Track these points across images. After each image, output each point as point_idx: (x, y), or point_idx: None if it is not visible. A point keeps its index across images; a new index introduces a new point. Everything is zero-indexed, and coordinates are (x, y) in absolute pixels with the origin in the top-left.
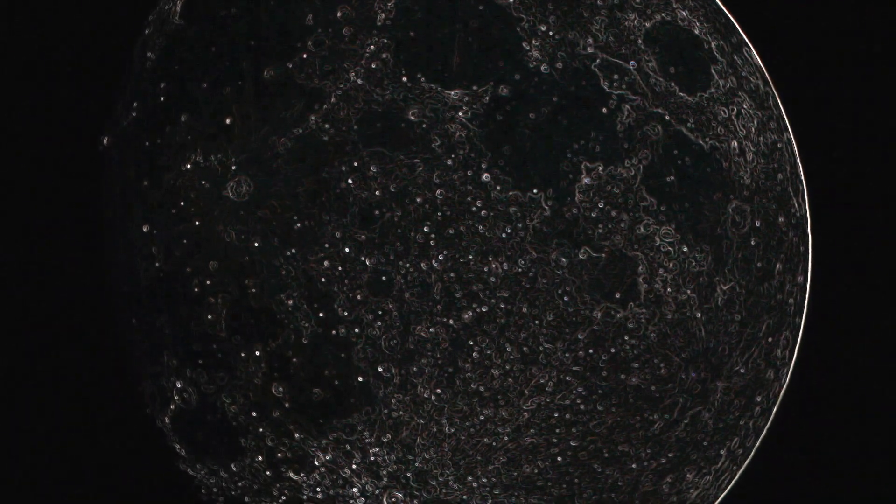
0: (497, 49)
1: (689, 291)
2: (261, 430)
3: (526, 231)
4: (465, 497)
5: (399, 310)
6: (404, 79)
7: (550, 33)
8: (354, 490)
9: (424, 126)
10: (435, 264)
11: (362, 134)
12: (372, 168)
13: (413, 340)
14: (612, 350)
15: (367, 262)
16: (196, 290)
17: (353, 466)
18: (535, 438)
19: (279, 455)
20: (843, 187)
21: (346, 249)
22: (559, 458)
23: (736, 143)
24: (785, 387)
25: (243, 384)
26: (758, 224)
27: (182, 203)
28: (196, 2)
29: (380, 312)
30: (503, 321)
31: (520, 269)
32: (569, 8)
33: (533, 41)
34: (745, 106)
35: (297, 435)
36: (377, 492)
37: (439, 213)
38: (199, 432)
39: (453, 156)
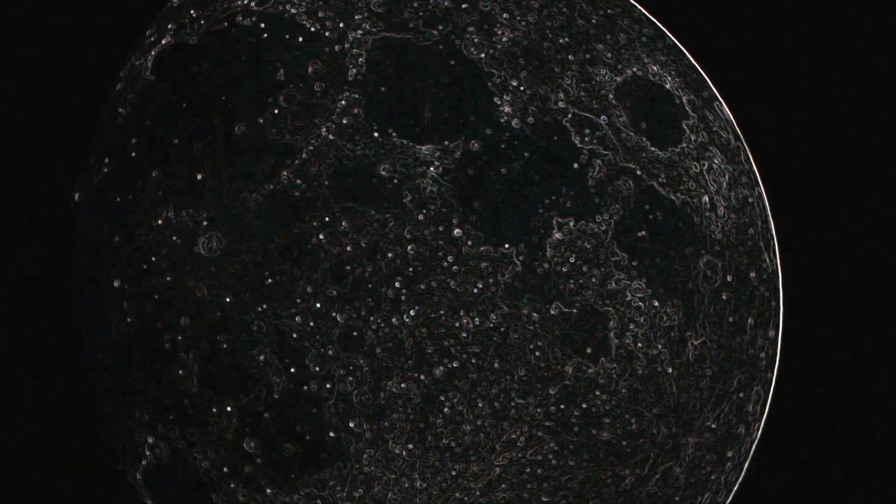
0: (468, 104)
1: (660, 346)
2: (232, 485)
3: (497, 286)
4: None
5: (370, 365)
6: (376, 134)
7: (522, 88)
8: None
9: (396, 181)
10: (406, 319)
11: (334, 189)
12: (343, 223)
13: (384, 396)
14: (584, 405)
15: (339, 318)
16: (167, 345)
17: None
18: (507, 493)
19: None
20: (814, 241)
21: (318, 305)
22: None
23: (707, 198)
24: (756, 442)
25: (215, 439)
26: (729, 279)
27: (153, 259)
28: (167, 58)
29: (351, 368)
30: (475, 376)
31: (491, 325)
32: (540, 63)
33: (504, 96)
34: (716, 161)
35: (268, 490)
36: None
37: (410, 269)
38: (170, 487)
39: (424, 211)
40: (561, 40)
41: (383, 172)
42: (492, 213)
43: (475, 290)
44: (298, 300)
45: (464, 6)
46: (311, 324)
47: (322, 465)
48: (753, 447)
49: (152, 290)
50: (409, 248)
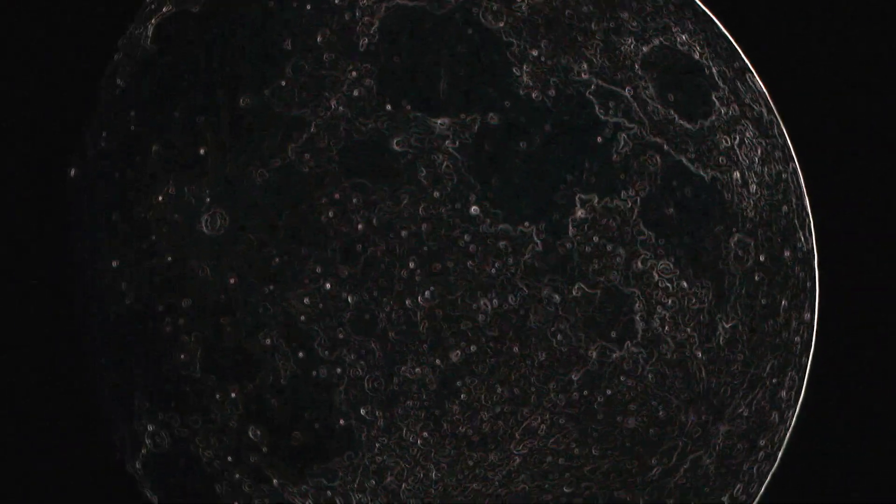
0: (486, 75)
1: (688, 330)
2: (237, 475)
3: (517, 266)
4: None
5: (383, 349)
6: (388, 107)
7: (542, 58)
8: None
9: (410, 156)
10: (421, 301)
11: (344, 165)
12: (354, 200)
13: (398, 381)
14: (608, 391)
15: (349, 300)
16: (168, 328)
17: None
18: (527, 485)
19: (256, 502)
20: (851, 219)
21: (327, 286)
22: None
23: (738, 174)
24: (790, 430)
25: (218, 427)
26: (762, 258)
27: (153, 237)
28: (168, 26)
29: (363, 352)
30: (493, 361)
31: (510, 307)
32: (562, 32)
33: (524, 66)
34: (748, 134)
35: (275, 481)
36: None
37: (425, 248)
38: (171, 478)
39: (440, 187)
40: (584, 8)
41: (396, 147)
42: (511, 189)
43: (493, 271)
44: (307, 281)
45: None
46: (321, 306)
47: (332, 454)
48: (787, 436)
49: (152, 271)
50: (424, 226)
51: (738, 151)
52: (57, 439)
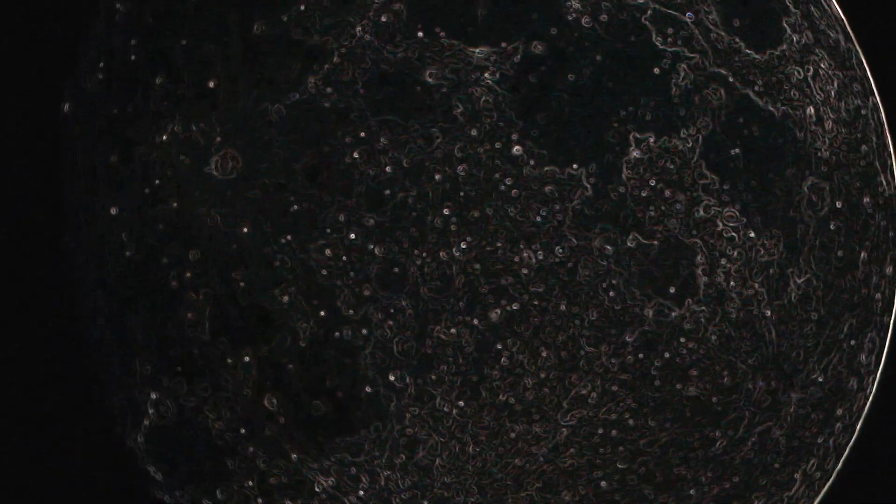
0: None
1: (756, 285)
2: (251, 449)
3: (564, 214)
4: None
5: (414, 307)
6: (420, 34)
7: None
8: None
9: (444, 90)
10: (457, 253)
11: (370, 99)
12: (382, 140)
13: (431, 344)
14: (667, 355)
15: (377, 251)
16: (174, 284)
17: (361, 493)
18: (576, 460)
19: (272, 480)
20: None
21: (352, 236)
22: (603, 483)
23: (812, 110)
24: (871, 398)
25: (230, 396)
26: (839, 205)
27: (157, 181)
28: None
29: (391, 311)
30: (537, 321)
31: (557, 260)
32: None
33: None
34: (822, 65)
35: (293, 456)
36: None
37: (462, 194)
38: (177, 453)
39: (478, 125)
40: None
41: (429, 79)
42: (558, 127)
43: (538, 219)
44: (328, 230)
45: None
46: (344, 258)
47: (356, 426)
48: (868, 405)
49: (156, 219)
50: (460, 168)
51: (811, 84)
52: (48, 408)
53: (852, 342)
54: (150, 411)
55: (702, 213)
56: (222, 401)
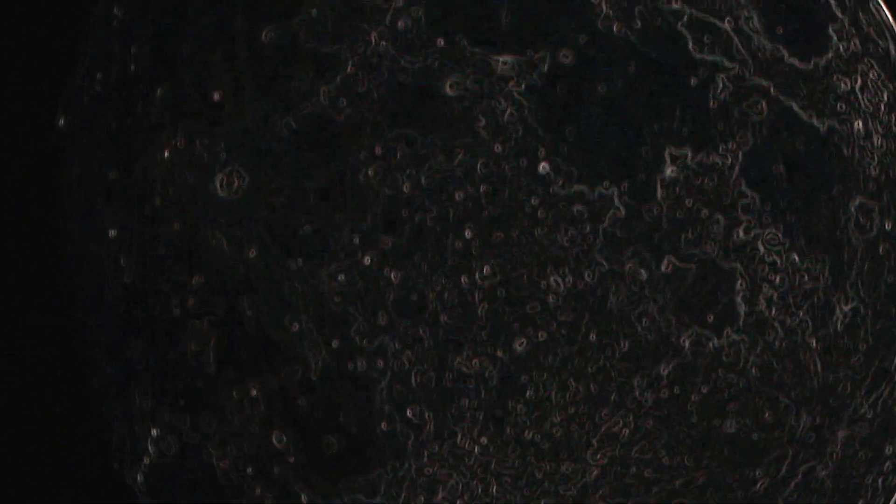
0: (558, 3)
1: (800, 313)
2: (258, 490)
3: (595, 236)
4: None
5: (434, 337)
6: (440, 41)
7: None
8: None
9: (466, 102)
10: (479, 279)
11: (387, 112)
12: (399, 155)
13: (451, 376)
14: (704, 389)
15: (393, 277)
16: (176, 311)
17: None
18: (606, 501)
19: None
20: None
21: (367, 260)
22: None
23: (860, 124)
24: None
25: (236, 431)
26: (888, 227)
27: (158, 201)
28: None
29: (409, 340)
30: (565, 351)
31: (586, 285)
32: None
33: None
34: (871, 76)
35: (304, 497)
36: None
37: (485, 214)
38: (179, 493)
39: (502, 140)
40: None
41: (450, 91)
42: (587, 142)
43: (566, 242)
44: (342, 254)
45: None
46: (359, 284)
47: (372, 464)
48: None
49: (157, 241)
50: (483, 187)
51: (859, 96)
52: (43, 442)
53: None
54: (151, 448)
55: (742, 235)
56: (228, 437)
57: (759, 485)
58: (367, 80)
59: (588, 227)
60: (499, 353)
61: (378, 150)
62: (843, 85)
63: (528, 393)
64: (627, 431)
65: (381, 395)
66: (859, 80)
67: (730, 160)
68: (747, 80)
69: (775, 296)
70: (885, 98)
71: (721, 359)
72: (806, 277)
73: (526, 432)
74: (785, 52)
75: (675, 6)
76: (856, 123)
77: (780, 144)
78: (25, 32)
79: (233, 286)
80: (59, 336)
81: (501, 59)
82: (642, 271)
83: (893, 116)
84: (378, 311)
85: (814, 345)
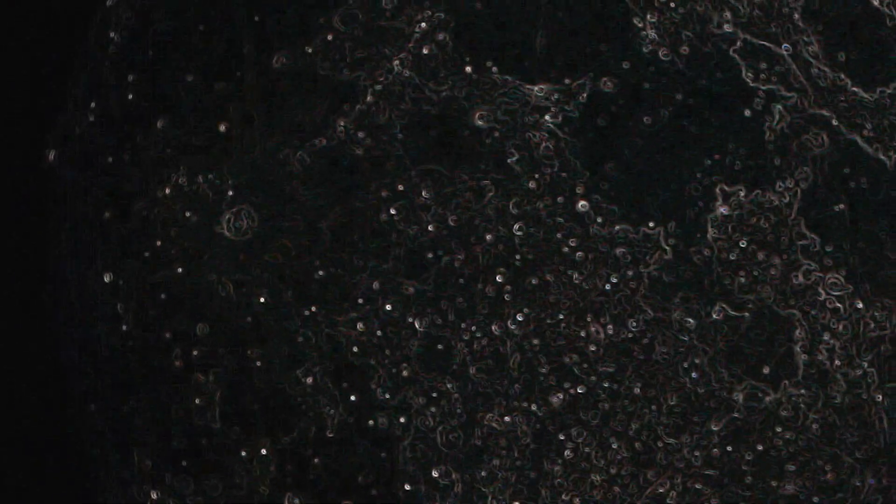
0: (598, 28)
1: (865, 364)
2: None
3: (639, 281)
4: None
5: (462, 391)
6: (468, 69)
7: (672, 4)
8: None
9: (497, 135)
10: (512, 327)
11: (410, 146)
12: (423, 194)
13: (481, 434)
14: (759, 447)
15: (417, 325)
16: (178, 363)
17: None
18: None
19: None
20: None
21: (388, 307)
22: None
23: None
24: None
25: (245, 494)
26: None
27: (159, 243)
28: None
29: (434, 395)
30: (607, 407)
31: (630, 335)
32: None
33: (648, 16)
34: None
35: None
36: None
37: (518, 257)
38: None
39: (537, 176)
40: None
41: (479, 122)
42: (631, 178)
43: (607, 287)
44: (360, 300)
45: None
46: (379, 333)
47: None
48: None
49: (157, 287)
50: (516, 227)
51: None
52: None
53: None
54: None
55: (801, 279)
56: (236, 501)
57: None
58: (388, 109)
59: (631, 271)
60: (533, 409)
61: (400, 187)
62: None
63: (565, 452)
64: (675, 494)
65: (403, 454)
66: None
67: (787, 198)
68: (806, 110)
69: (837, 346)
70: None
71: (778, 415)
72: (871, 325)
73: (563, 495)
74: (848, 81)
75: (727, 30)
76: None
77: (843, 181)
78: (13, 55)
79: (240, 336)
80: (49, 389)
81: (536, 87)
82: (690, 320)
83: None
84: (401, 363)
85: (880, 400)
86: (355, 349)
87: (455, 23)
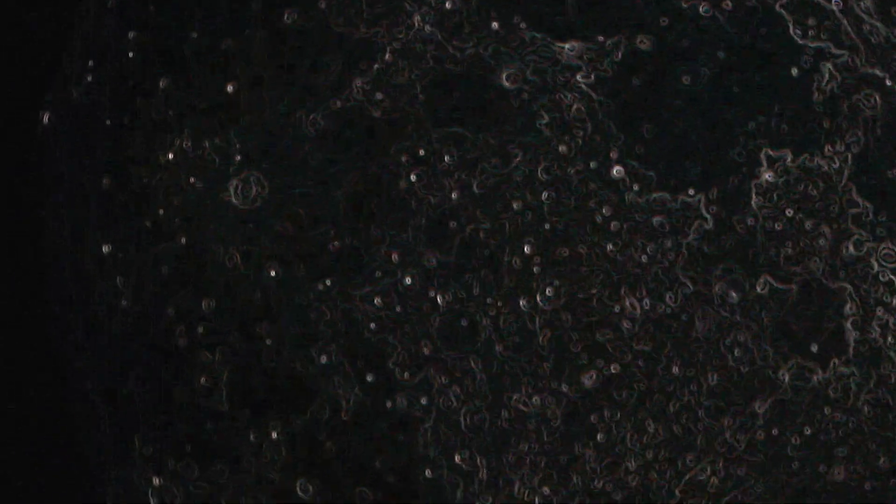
0: None
1: None
2: None
3: (677, 252)
4: None
5: (487, 370)
6: (494, 25)
7: None
8: None
9: (525, 96)
10: (540, 302)
11: (432, 108)
12: (446, 158)
13: (508, 416)
14: (807, 430)
15: (439, 300)
16: (182, 341)
17: None
18: None
19: None
20: None
21: (408, 280)
22: None
23: None
24: None
25: (253, 481)
26: None
27: (161, 211)
28: None
29: (458, 375)
30: (643, 387)
31: (668, 310)
32: None
33: None
34: None
35: None
36: None
37: (547, 226)
38: None
39: (568, 139)
40: None
41: (506, 82)
42: (669, 142)
43: (643, 259)
44: (378, 273)
45: None
46: (398, 308)
47: None
48: None
49: (159, 259)
50: (545, 194)
51: None
52: (31, 493)
53: None
54: (153, 500)
55: (852, 250)
56: (243, 487)
57: None
58: (408, 69)
59: (669, 242)
60: (564, 389)
61: (421, 152)
62: None
63: (598, 436)
64: (716, 480)
65: (424, 437)
66: None
67: (837, 163)
68: (858, 69)
69: (891, 321)
70: None
71: (827, 395)
72: None
73: (596, 481)
74: None
75: None
76: None
77: None
78: (5, 14)
79: (249, 311)
80: (46, 370)
81: (567, 45)
82: (733, 293)
83: None
84: (421, 340)
85: None
86: (372, 325)
87: None
